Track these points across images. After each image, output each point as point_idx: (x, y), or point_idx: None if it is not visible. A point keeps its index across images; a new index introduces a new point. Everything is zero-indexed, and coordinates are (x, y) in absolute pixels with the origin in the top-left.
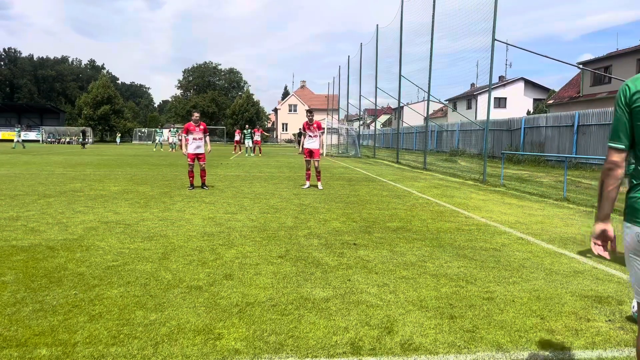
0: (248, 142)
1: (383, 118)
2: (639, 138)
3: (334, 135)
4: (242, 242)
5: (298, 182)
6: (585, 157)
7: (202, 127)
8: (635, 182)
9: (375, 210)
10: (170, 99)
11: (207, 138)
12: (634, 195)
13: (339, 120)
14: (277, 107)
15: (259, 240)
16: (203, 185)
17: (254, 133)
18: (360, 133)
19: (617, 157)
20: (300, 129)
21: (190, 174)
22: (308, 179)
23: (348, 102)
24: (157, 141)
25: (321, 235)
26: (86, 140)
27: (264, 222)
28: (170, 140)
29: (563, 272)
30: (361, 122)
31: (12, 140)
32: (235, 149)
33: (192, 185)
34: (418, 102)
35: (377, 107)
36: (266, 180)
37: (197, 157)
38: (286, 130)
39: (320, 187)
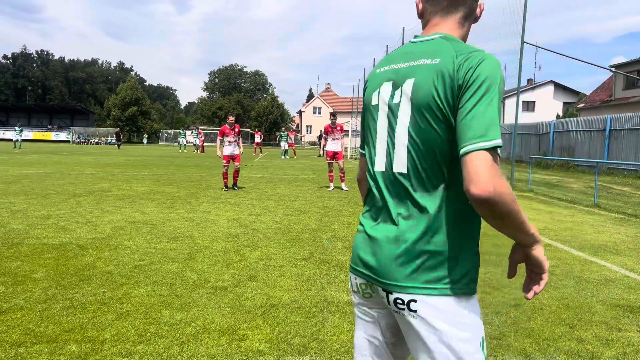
0: (284, 145)
1: None
2: None
3: (358, 137)
4: (267, 244)
5: (322, 184)
6: (617, 163)
7: (236, 130)
8: None
9: None
10: (196, 101)
11: (240, 140)
12: None
13: None
14: (302, 110)
15: (283, 242)
16: (234, 185)
17: (288, 136)
18: None
19: None
20: (321, 131)
21: (225, 175)
22: (331, 180)
23: None
24: (181, 143)
25: (345, 238)
26: (120, 140)
27: (288, 224)
28: (191, 141)
29: (593, 280)
30: None
31: (47, 140)
32: (255, 151)
33: (226, 186)
34: None
35: None
36: (290, 183)
37: (232, 158)
38: (310, 132)
39: (345, 187)
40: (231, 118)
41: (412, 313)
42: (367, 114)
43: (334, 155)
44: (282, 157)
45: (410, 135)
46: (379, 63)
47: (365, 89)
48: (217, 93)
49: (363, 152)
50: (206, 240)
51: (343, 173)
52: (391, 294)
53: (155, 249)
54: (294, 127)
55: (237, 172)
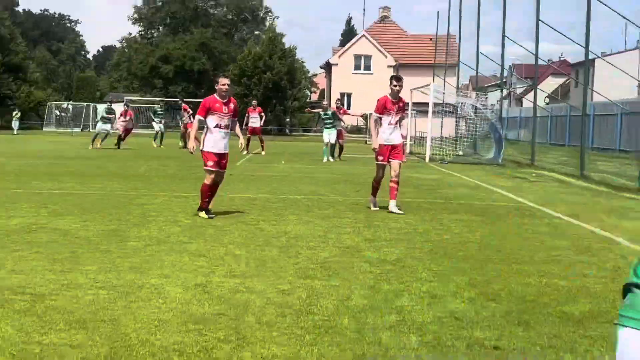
0: (329, 136)
1: (548, 86)
2: None
3: (447, 118)
4: (265, 338)
5: (372, 212)
6: None
7: (232, 106)
8: None
9: (536, 278)
10: (118, 44)
11: (237, 127)
12: None
13: (457, 88)
14: (331, 61)
15: (299, 334)
16: (205, 210)
17: (337, 118)
18: (502, 115)
19: None
20: (374, 113)
21: (207, 189)
22: (375, 193)
23: (478, 52)
24: (99, 130)
25: (426, 328)
26: None
27: (307, 298)
28: (120, 126)
29: None
30: (504, 93)
31: None
32: (242, 145)
33: (207, 210)
34: (625, 50)
35: (539, 62)
36: (309, 209)
37: (220, 159)
38: (347, 105)
39: (395, 209)
40: (224, 81)
41: None
42: None
43: (391, 152)
44: (328, 159)
45: None
46: None
47: None
48: (161, 29)
49: None
50: (142, 329)
51: (397, 183)
52: None
53: (38, 346)
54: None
55: (215, 185)
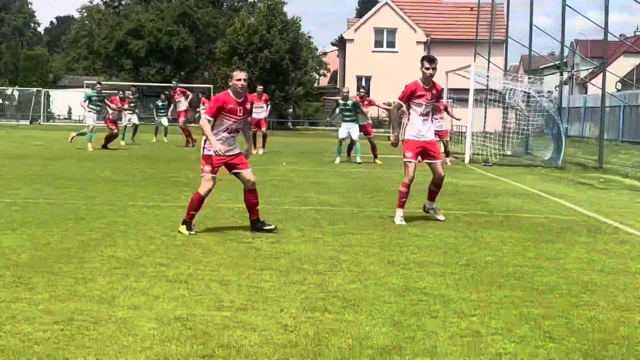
0: (346, 131)
1: (621, 68)
2: None
3: (492, 108)
4: None
5: (397, 228)
6: None
7: (248, 106)
8: None
9: (606, 311)
10: (77, 14)
11: (249, 129)
12: None
13: (505, 70)
14: (345, 36)
15: None
16: (257, 223)
17: (358, 109)
18: (561, 105)
19: None
20: (397, 100)
21: (198, 201)
22: (403, 205)
23: (531, 25)
24: (127, 122)
25: None
26: None
27: (315, 336)
28: (88, 119)
29: None
30: (564, 77)
31: None
32: (254, 146)
33: (190, 223)
34: None
35: (609, 38)
36: (316, 222)
37: (231, 162)
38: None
39: (440, 216)
40: (240, 76)
41: None
42: None
43: (425, 149)
44: (357, 158)
45: None
46: None
47: None
48: None
49: None
50: None
51: (440, 187)
52: None
53: None
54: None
55: (251, 193)
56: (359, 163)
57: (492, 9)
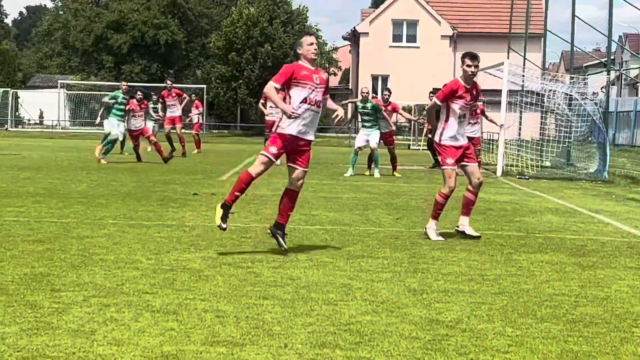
0: (365, 138)
1: None
2: None
3: (528, 112)
4: None
5: (422, 250)
6: None
7: (324, 75)
8: None
9: None
10: (50, 4)
11: (331, 101)
12: None
13: (543, 68)
14: (359, 30)
15: None
16: (280, 230)
17: (381, 112)
18: (609, 109)
19: None
20: (435, 99)
21: (246, 180)
22: (437, 217)
23: (573, 17)
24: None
25: None
26: None
27: None
28: (111, 127)
29: None
30: (611, 76)
31: None
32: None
33: (229, 208)
34: None
35: None
36: (326, 243)
37: (296, 151)
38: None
39: (470, 230)
40: (310, 40)
41: None
42: None
43: (463, 155)
44: (376, 172)
45: None
46: None
47: None
48: None
49: None
50: None
51: (477, 194)
52: None
53: None
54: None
55: (295, 196)
56: (377, 177)
57: (519, 3)
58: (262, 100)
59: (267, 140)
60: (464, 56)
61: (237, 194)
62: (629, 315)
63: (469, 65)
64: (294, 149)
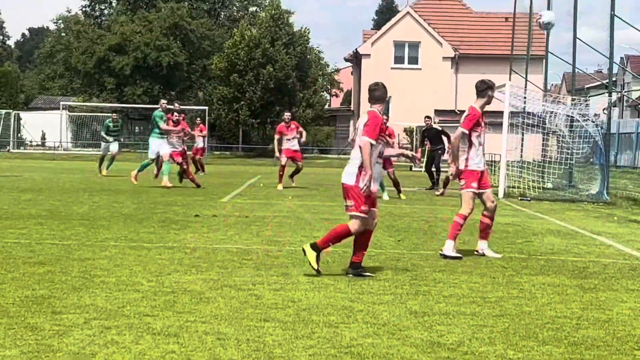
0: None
1: None
2: None
3: (530, 134)
4: None
5: (420, 274)
6: None
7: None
8: None
9: None
10: (53, 25)
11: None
12: None
13: (545, 90)
14: (361, 51)
15: None
16: (359, 268)
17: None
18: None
19: None
20: (462, 129)
21: (342, 235)
22: (456, 237)
23: (575, 39)
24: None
25: None
26: None
27: None
28: (161, 148)
29: None
30: (613, 98)
31: None
32: (280, 179)
33: (320, 252)
34: None
35: None
36: (327, 265)
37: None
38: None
39: (489, 252)
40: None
41: None
42: None
43: (481, 180)
44: (384, 194)
45: None
46: None
47: None
48: (114, 3)
49: None
50: None
51: (493, 218)
52: None
53: None
54: (334, 98)
55: (369, 235)
56: (385, 199)
57: (530, 19)
58: (277, 137)
59: (352, 199)
60: (489, 86)
61: (330, 243)
62: (630, 338)
63: (486, 91)
64: (372, 200)
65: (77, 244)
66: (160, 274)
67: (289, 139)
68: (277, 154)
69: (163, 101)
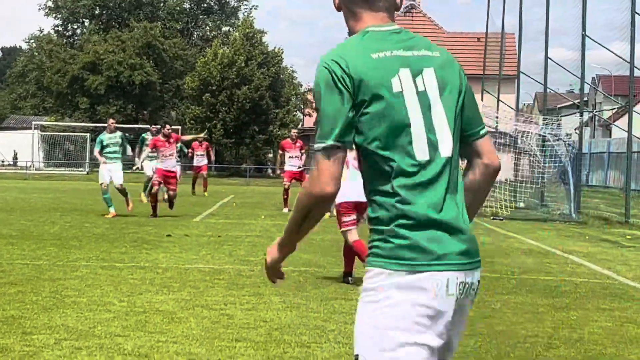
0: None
1: None
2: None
3: (502, 154)
4: None
5: None
6: None
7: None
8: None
9: None
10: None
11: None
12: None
13: (517, 110)
14: None
15: None
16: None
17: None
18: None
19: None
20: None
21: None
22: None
23: (546, 59)
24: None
25: None
26: None
27: None
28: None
29: None
30: (584, 117)
31: None
32: (286, 201)
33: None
34: None
35: (636, 73)
36: (300, 285)
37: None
38: None
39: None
40: None
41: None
42: (387, 101)
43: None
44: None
45: (447, 119)
46: (362, 48)
47: (362, 73)
48: (87, 23)
49: (342, 143)
50: None
51: None
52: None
53: None
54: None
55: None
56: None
57: (502, 39)
58: (280, 152)
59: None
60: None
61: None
62: (601, 357)
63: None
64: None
65: (48, 264)
66: (132, 293)
67: (290, 157)
68: (278, 169)
69: (153, 127)
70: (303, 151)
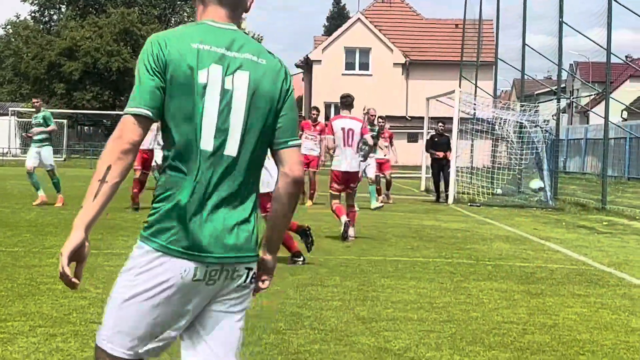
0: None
1: (626, 93)
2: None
3: (479, 140)
4: None
5: (368, 279)
6: None
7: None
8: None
9: None
10: (2, 31)
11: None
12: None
13: (494, 96)
14: (311, 57)
15: None
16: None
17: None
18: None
19: None
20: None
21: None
22: None
23: (524, 45)
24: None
25: None
26: None
27: None
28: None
29: None
30: (562, 104)
31: None
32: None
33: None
34: None
35: (613, 60)
36: (276, 272)
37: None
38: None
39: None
40: None
41: None
42: (189, 88)
43: None
44: (373, 202)
45: (245, 122)
46: (187, 35)
47: (174, 57)
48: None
49: (148, 112)
50: None
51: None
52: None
53: None
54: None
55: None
56: (373, 209)
57: (480, 26)
58: (300, 132)
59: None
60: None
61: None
62: (576, 343)
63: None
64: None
65: (24, 251)
66: (108, 280)
67: (306, 137)
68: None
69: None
70: (321, 136)
